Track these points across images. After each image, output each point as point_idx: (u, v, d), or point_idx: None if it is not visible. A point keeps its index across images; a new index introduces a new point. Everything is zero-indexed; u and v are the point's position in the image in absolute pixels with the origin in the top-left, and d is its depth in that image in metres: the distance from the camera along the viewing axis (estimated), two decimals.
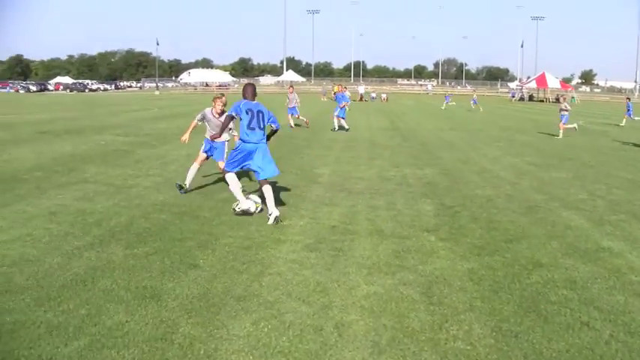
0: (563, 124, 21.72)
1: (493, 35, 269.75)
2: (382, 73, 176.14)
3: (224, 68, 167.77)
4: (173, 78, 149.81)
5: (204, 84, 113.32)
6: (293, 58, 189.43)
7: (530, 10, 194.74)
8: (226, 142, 9.55)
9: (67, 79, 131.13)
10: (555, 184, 11.03)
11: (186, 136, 9.62)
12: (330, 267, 5.81)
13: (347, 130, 21.37)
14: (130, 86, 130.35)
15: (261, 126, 7.62)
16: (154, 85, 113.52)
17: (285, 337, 4.27)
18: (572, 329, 4.49)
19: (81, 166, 12.00)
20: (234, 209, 7.91)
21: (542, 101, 74.02)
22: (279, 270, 5.69)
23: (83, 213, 7.87)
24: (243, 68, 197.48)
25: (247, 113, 7.56)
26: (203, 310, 4.69)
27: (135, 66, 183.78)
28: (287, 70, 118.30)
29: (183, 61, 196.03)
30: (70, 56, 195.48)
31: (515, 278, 5.59)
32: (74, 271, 5.53)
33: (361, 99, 60.16)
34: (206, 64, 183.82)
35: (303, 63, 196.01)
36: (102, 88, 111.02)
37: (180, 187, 9.23)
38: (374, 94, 65.36)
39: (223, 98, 9.48)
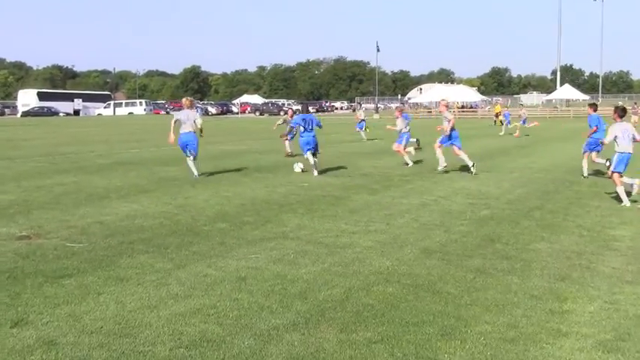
0: None
1: None
2: None
3: (470, 82, 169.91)
4: (399, 97, 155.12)
5: None
6: (570, 66, 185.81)
7: None
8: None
9: (257, 98, 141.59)
10: None
11: None
12: None
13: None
14: (342, 108, 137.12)
15: (311, 127, 20.02)
16: (373, 105, 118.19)
17: None
18: None
19: (278, 216, 12.73)
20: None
21: None
22: None
23: (282, 280, 8.27)
24: (496, 82, 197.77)
25: (303, 121, 20.31)
26: None
27: (346, 80, 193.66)
28: (561, 84, 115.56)
29: (413, 74, 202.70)
30: (261, 68, 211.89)
31: None
32: (272, 359, 5.78)
33: None
34: (444, 76, 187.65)
35: (586, 74, 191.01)
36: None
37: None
38: None
39: None
